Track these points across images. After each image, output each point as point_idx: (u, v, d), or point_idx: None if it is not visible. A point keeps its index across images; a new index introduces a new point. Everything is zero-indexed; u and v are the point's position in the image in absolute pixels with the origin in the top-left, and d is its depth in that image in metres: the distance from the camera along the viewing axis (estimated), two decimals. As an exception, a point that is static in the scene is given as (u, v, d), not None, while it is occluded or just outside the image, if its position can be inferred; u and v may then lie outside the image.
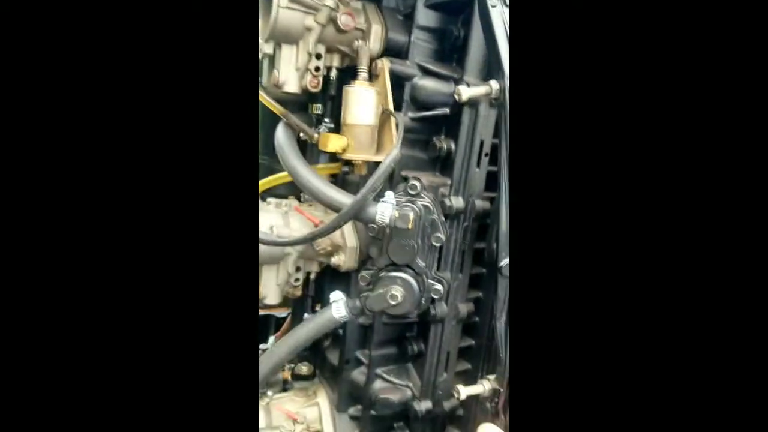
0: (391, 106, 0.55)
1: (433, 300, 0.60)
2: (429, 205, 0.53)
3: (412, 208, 0.50)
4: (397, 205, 0.50)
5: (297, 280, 0.66)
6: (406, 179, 0.57)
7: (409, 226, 0.49)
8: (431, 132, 0.62)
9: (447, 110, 0.60)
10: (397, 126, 0.52)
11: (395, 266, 0.54)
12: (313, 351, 0.79)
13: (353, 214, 0.47)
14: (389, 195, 0.50)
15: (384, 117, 0.56)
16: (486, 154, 0.59)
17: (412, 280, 0.53)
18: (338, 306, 0.54)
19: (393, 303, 0.51)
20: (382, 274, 0.53)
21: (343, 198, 0.48)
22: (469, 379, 0.65)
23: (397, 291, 0.52)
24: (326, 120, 0.63)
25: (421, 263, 0.54)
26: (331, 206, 0.49)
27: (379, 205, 0.49)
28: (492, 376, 0.59)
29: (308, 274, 0.68)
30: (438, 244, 0.54)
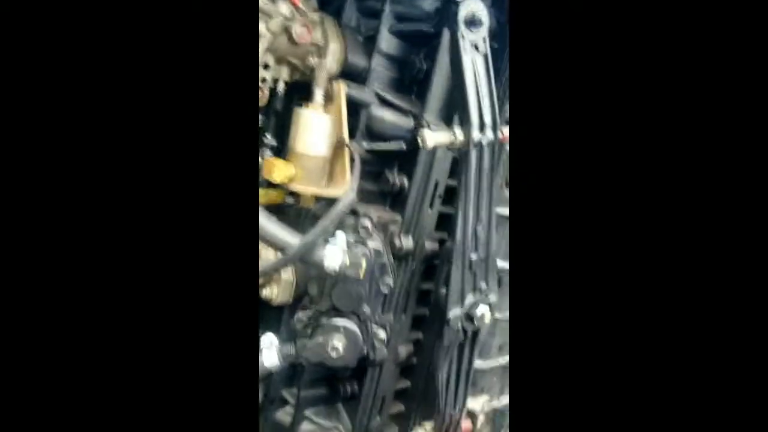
0: (346, 136, 0.51)
1: (373, 345, 0.57)
2: (380, 249, 0.50)
3: (365, 255, 0.46)
4: (347, 248, 0.46)
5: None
6: (355, 213, 0.53)
7: (362, 276, 0.45)
8: (384, 164, 0.59)
9: (403, 145, 0.57)
10: (353, 161, 0.48)
11: (337, 311, 0.50)
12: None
13: (299, 257, 0.42)
14: (339, 237, 0.45)
15: (337, 147, 0.51)
16: (440, 196, 0.57)
17: (357, 330, 0.49)
18: (269, 354, 0.48)
19: (333, 356, 0.47)
20: (323, 320, 0.48)
21: (289, 238, 0.43)
22: (403, 423, 0.63)
23: (339, 342, 0.47)
24: (268, 136, 0.56)
25: (367, 309, 0.50)
26: (273, 244, 0.44)
27: (328, 248, 0.44)
28: (428, 424, 0.57)
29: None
30: (386, 291, 0.51)
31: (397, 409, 0.65)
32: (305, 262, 0.44)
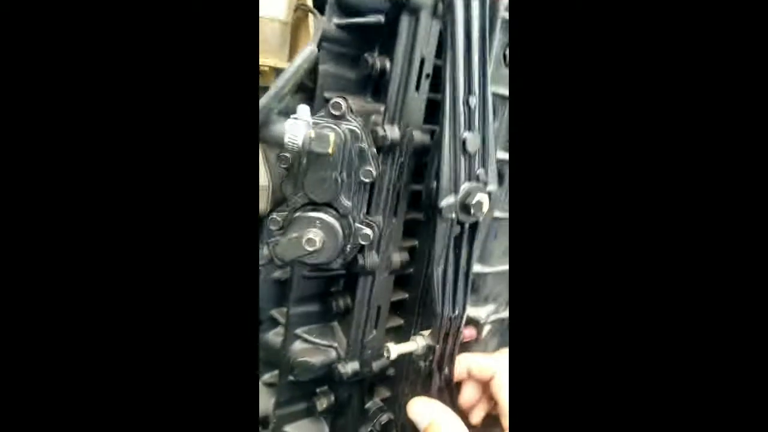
0: (309, 1, 0.43)
1: (362, 248, 0.51)
2: (356, 129, 0.43)
3: (334, 130, 0.40)
4: (314, 124, 0.39)
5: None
6: (327, 101, 0.46)
7: (330, 151, 0.38)
8: (362, 46, 0.51)
9: (381, 18, 0.49)
10: (315, 21, 0.40)
11: (314, 206, 0.44)
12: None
13: None
14: (303, 109, 0.38)
15: (300, 15, 0.43)
16: (427, 76, 0.50)
17: (335, 222, 0.43)
18: (242, 255, 0.43)
19: (310, 249, 0.41)
20: (297, 214, 0.43)
21: None
22: (402, 336, 0.59)
23: (316, 235, 0.42)
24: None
25: (347, 202, 0.44)
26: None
27: (289, 122, 0.38)
28: (426, 332, 0.52)
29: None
30: (368, 180, 0.44)
31: (396, 322, 0.60)
32: (262, 140, 0.38)
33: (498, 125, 0.53)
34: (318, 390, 0.61)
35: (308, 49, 0.36)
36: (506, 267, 0.58)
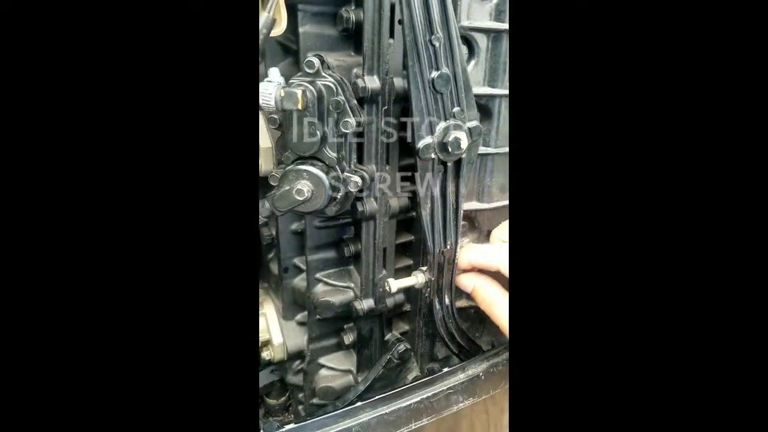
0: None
1: (359, 198, 0.56)
2: (331, 84, 0.46)
3: (305, 87, 0.43)
4: (287, 86, 0.43)
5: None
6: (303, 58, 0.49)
7: (299, 107, 0.42)
8: (339, 2, 0.53)
9: (351, -30, 0.50)
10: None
11: (303, 160, 0.49)
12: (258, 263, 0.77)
13: None
14: (273, 72, 0.42)
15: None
16: (399, 22, 0.51)
17: (320, 173, 0.47)
18: (247, 209, 0.49)
19: (300, 198, 0.47)
20: (287, 168, 0.48)
21: None
22: (409, 272, 0.63)
23: (304, 185, 0.47)
24: None
25: (331, 153, 0.48)
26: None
27: (262, 84, 0.42)
28: (425, 268, 0.56)
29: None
30: (347, 130, 0.48)
31: (406, 263, 0.65)
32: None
33: (479, 59, 0.53)
34: (344, 326, 0.69)
35: (263, 16, 0.40)
36: (505, 203, 0.60)
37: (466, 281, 0.55)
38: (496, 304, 0.51)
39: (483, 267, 0.54)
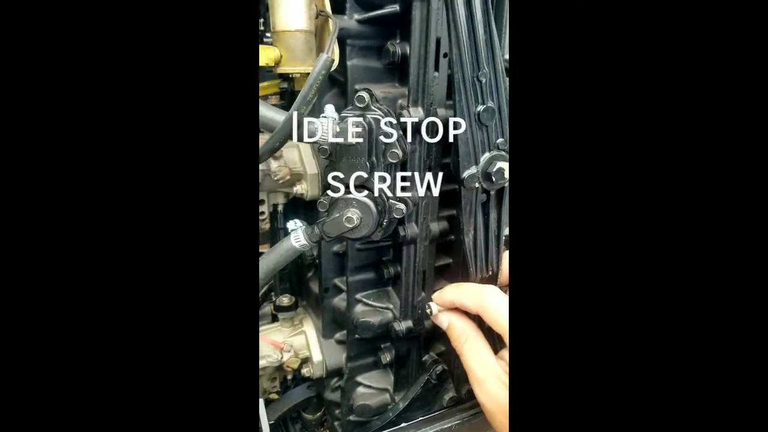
0: (328, 7, 0.48)
1: (401, 221, 0.57)
2: (380, 117, 0.48)
3: (357, 122, 0.46)
4: (341, 120, 0.46)
5: (263, 213, 0.64)
6: (355, 91, 0.51)
7: (351, 141, 0.44)
8: (385, 36, 0.56)
9: (397, 7, 0.52)
10: (332, 23, 0.46)
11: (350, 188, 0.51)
12: (297, 282, 0.80)
13: (287, 131, 0.43)
14: (329, 108, 0.45)
15: (322, 20, 0.49)
16: (445, 55, 0.53)
17: (369, 202, 0.50)
18: (297, 234, 0.52)
19: (350, 226, 0.49)
20: (337, 196, 0.50)
21: (275, 115, 0.44)
22: (448, 296, 0.64)
23: (353, 213, 0.49)
24: (267, 36, 0.56)
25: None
26: (265, 127, 0.45)
27: (318, 120, 0.44)
28: (466, 291, 0.57)
29: (275, 206, 0.65)
30: (394, 161, 0.50)
31: (442, 285, 0.66)
32: (299, 139, 0.45)
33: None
34: (382, 346, 0.70)
35: (323, 57, 0.42)
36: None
37: (443, 317, 0.55)
38: (468, 344, 0.51)
39: (464, 308, 0.53)
